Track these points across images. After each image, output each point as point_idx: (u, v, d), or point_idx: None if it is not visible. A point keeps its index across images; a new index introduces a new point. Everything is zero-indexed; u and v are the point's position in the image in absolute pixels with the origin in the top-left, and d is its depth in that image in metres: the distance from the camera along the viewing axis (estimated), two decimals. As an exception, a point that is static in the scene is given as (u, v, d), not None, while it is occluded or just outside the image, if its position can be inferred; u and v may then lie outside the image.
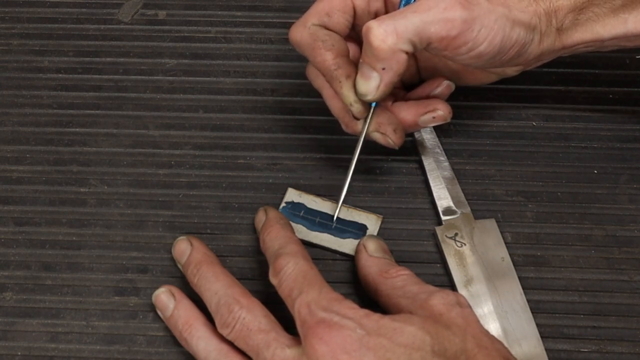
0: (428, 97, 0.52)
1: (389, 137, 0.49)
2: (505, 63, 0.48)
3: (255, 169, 0.54)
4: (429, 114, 0.51)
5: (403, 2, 0.48)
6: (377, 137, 0.49)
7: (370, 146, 0.51)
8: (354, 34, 0.52)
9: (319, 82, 0.51)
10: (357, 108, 0.48)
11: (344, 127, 0.51)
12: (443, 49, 0.45)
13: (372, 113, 0.49)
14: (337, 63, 0.47)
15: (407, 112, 0.51)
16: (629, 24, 0.47)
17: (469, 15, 0.44)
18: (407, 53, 0.44)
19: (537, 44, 0.47)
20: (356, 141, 0.49)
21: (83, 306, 0.49)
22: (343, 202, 0.51)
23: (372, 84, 0.46)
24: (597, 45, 0.48)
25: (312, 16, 0.49)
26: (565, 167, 0.54)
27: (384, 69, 0.45)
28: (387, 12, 0.50)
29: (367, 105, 0.48)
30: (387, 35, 0.44)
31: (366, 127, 0.49)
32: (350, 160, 0.49)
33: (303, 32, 0.49)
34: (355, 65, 0.48)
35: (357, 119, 0.49)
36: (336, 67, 0.47)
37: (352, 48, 0.52)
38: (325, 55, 0.48)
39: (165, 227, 0.52)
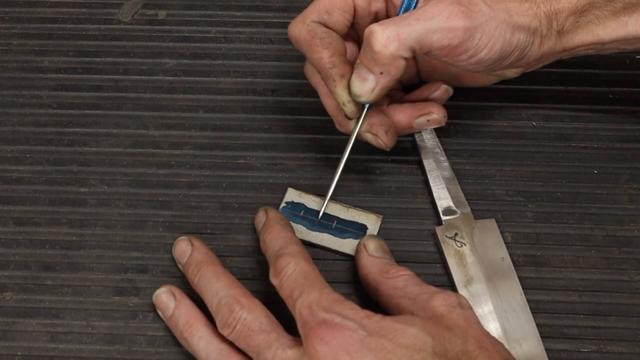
0: (425, 100, 0.52)
1: (380, 139, 0.49)
2: (505, 67, 0.48)
3: (255, 169, 0.54)
4: (424, 117, 0.51)
5: (404, 5, 0.48)
6: (368, 137, 0.49)
7: (370, 146, 0.50)
8: (353, 33, 0.52)
9: (315, 79, 0.51)
10: (349, 108, 0.48)
11: (337, 125, 0.51)
12: (444, 56, 0.45)
13: (365, 114, 0.49)
14: (332, 62, 0.47)
15: (402, 114, 0.51)
16: (630, 26, 0.47)
17: (470, 24, 0.44)
18: (405, 59, 0.44)
19: (537, 47, 0.47)
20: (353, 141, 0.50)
21: (83, 306, 0.49)
22: (343, 202, 0.52)
23: (367, 86, 0.46)
24: (597, 48, 0.48)
25: (312, 13, 0.49)
26: (565, 167, 0.54)
27: (381, 73, 0.45)
28: (388, 13, 0.50)
29: (360, 105, 0.48)
30: (389, 41, 0.43)
31: (358, 127, 0.49)
32: (340, 160, 0.49)
33: (301, 28, 0.49)
34: (351, 65, 0.48)
35: (350, 118, 0.49)
36: (331, 65, 0.47)
37: (350, 47, 0.51)
38: (322, 53, 0.48)
39: (165, 227, 0.52)
